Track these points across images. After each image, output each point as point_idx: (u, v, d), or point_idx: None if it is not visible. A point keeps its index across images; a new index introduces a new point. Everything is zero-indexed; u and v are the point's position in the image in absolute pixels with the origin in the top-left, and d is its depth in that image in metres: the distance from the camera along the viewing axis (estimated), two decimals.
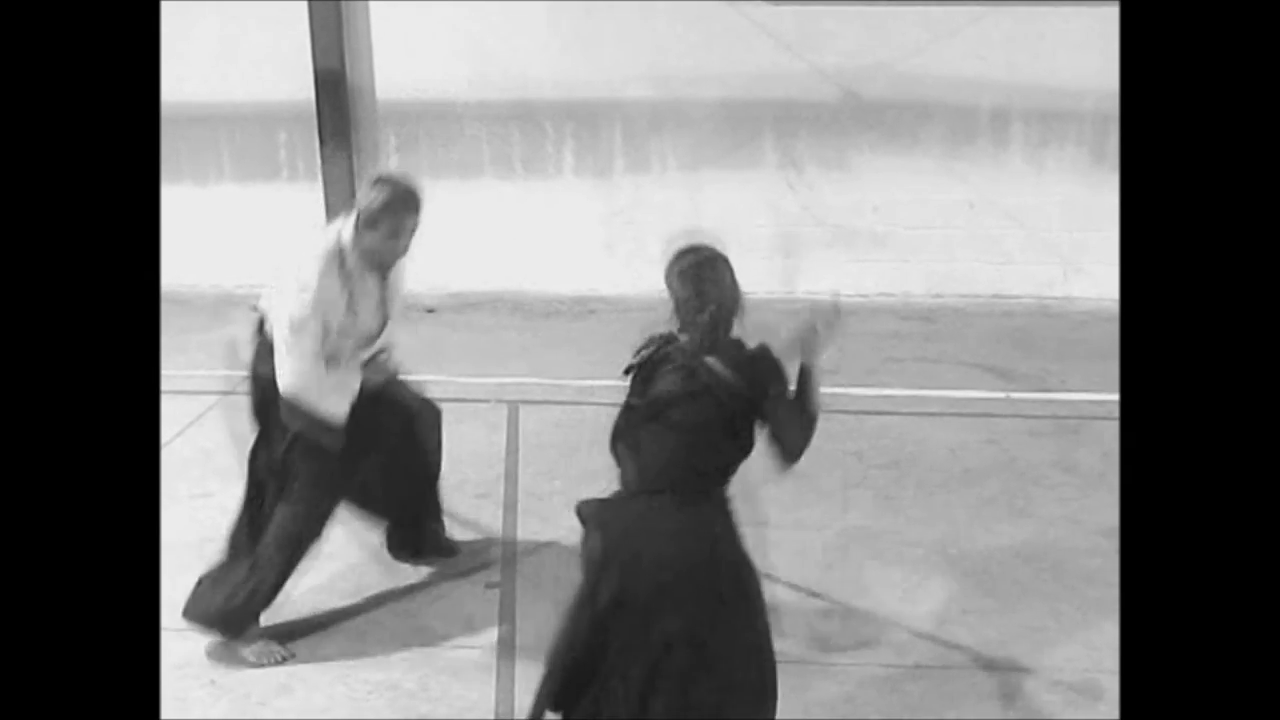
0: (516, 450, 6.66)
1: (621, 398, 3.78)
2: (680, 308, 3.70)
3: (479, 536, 5.63)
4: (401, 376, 5.04)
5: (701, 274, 3.70)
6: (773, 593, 5.04)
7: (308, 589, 5.19)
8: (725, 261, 3.75)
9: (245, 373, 4.80)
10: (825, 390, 3.78)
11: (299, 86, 9.64)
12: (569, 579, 5.19)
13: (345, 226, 4.61)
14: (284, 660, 4.67)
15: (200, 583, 4.74)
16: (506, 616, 4.95)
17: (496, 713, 4.32)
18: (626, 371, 3.75)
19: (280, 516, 4.65)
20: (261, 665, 4.64)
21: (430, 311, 9.58)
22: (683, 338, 3.69)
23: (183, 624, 4.72)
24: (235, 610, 4.65)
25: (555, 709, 3.74)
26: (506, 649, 4.72)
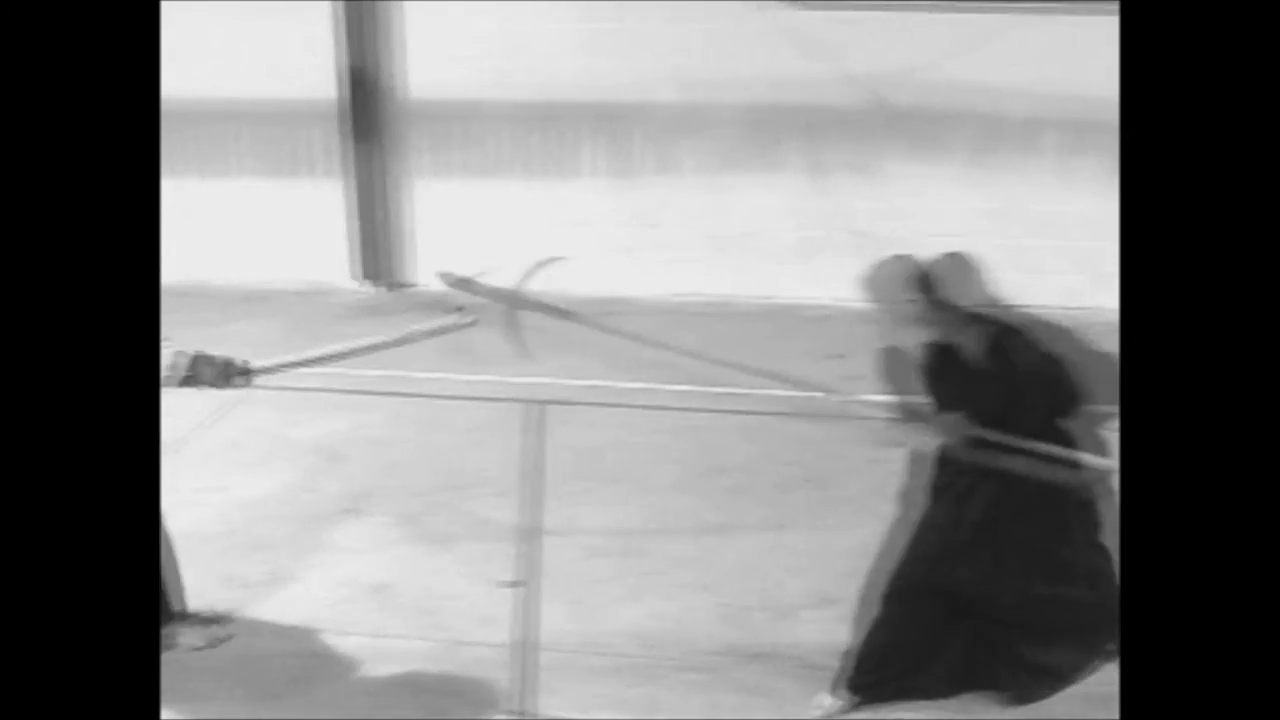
0: (541, 449, 6.66)
1: (640, 399, 3.87)
2: None
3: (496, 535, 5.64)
4: None
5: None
6: (790, 598, 5.07)
7: (328, 584, 5.22)
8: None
9: None
10: (847, 397, 3.84)
11: (327, 84, 9.68)
12: (590, 577, 5.23)
13: None
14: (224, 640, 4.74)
15: None
16: (527, 614, 4.96)
17: (518, 709, 4.32)
18: None
19: None
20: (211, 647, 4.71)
21: (458, 310, 9.60)
22: None
23: (201, 612, 4.77)
24: None
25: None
26: (528, 646, 4.73)
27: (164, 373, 4.23)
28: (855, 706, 4.32)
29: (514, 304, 4.28)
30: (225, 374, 4.37)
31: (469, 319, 4.48)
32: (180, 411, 5.52)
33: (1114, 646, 4.12)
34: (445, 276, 4.79)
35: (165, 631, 4.68)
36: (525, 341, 4.25)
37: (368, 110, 9.72)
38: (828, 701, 4.33)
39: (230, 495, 6.02)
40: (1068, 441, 4.11)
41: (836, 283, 9.50)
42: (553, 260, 4.41)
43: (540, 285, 10.57)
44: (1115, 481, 4.16)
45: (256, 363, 4.47)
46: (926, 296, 4.14)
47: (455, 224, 10.04)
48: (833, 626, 4.87)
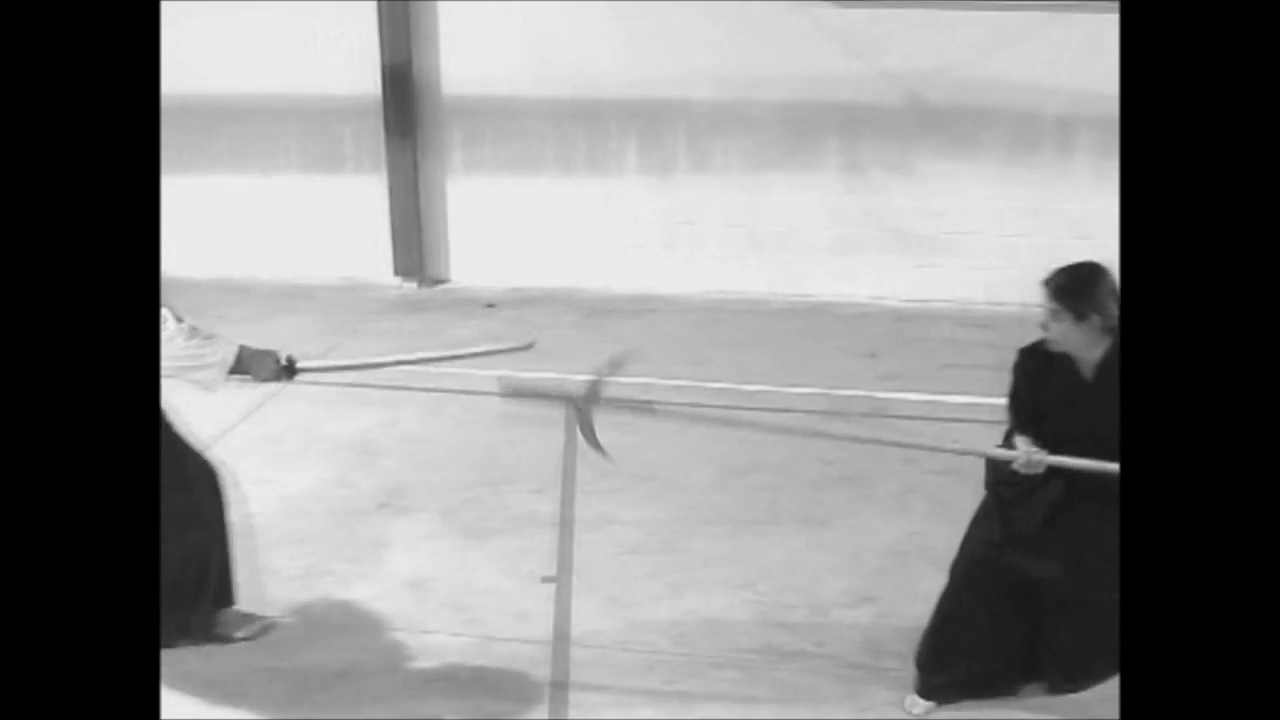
0: (575, 447, 6.68)
1: (677, 395, 3.86)
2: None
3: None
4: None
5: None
6: (827, 596, 5.07)
7: (365, 578, 5.25)
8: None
9: None
10: (882, 396, 3.80)
11: (364, 80, 9.73)
12: (626, 574, 5.24)
13: None
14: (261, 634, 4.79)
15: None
16: (561, 610, 4.98)
17: (550, 707, 4.34)
18: None
19: None
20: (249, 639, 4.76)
21: (490, 306, 9.63)
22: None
23: (239, 608, 4.80)
24: None
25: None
26: (561, 641, 4.75)
27: (216, 367, 4.29)
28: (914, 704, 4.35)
29: (588, 404, 4.29)
30: (276, 371, 4.42)
31: (525, 343, 4.53)
32: (215, 406, 5.56)
33: None
34: (504, 382, 4.92)
35: (210, 621, 4.73)
36: (600, 442, 4.27)
37: (405, 107, 9.76)
38: (909, 701, 4.36)
39: (267, 489, 6.06)
40: None
41: (871, 281, 9.57)
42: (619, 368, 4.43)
43: (576, 283, 10.59)
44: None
45: (304, 363, 4.52)
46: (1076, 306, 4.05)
47: (491, 220, 10.08)
48: (870, 625, 4.88)
